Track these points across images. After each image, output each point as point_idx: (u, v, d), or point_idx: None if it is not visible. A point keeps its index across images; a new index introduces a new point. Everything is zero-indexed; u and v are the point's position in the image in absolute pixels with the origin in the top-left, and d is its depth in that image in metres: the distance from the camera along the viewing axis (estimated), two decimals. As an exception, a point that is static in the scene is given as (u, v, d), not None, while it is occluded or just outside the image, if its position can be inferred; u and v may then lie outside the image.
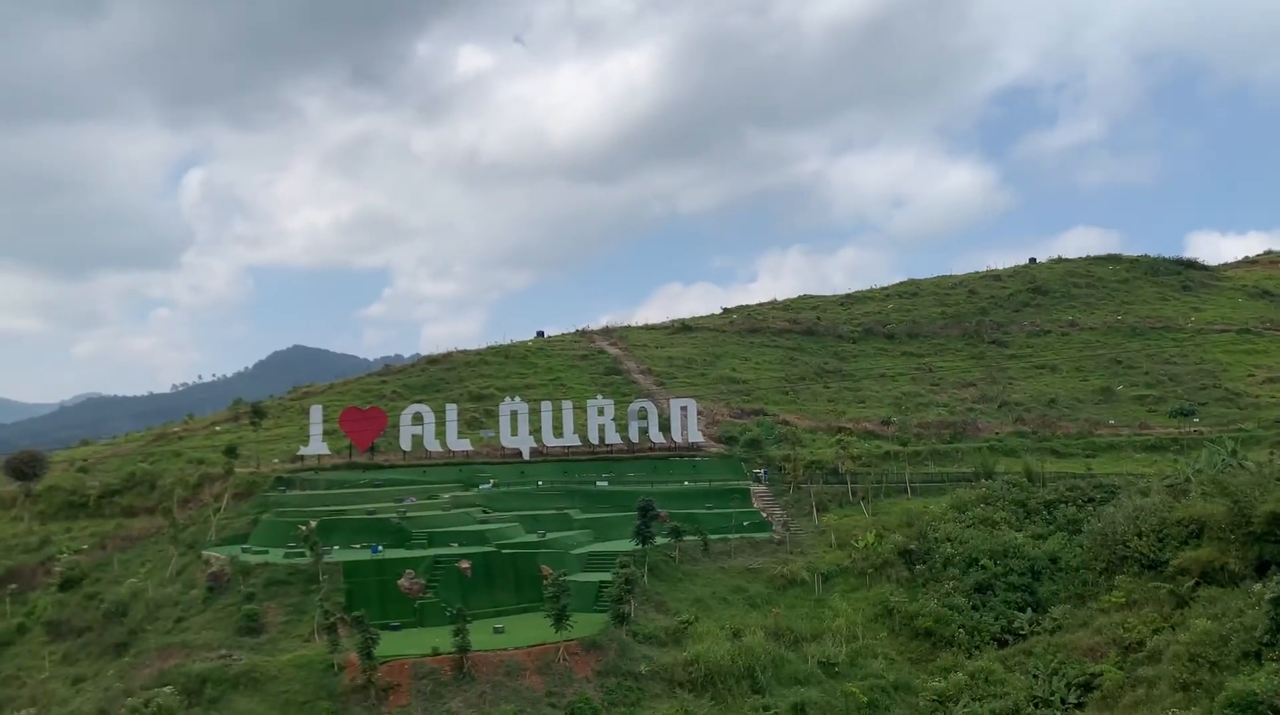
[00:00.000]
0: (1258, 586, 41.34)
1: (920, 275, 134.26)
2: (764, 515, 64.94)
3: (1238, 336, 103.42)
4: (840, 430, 79.62)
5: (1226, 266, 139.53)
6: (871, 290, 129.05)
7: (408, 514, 59.64)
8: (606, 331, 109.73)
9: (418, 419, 73.19)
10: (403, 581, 49.95)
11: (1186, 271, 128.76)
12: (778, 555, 58.80)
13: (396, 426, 73.13)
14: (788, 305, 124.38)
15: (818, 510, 65.45)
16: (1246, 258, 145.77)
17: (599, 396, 79.58)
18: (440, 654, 42.58)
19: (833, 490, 68.26)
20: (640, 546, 55.15)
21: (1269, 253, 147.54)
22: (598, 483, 70.34)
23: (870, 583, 55.53)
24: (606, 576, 51.12)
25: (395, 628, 47.30)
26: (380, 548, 54.53)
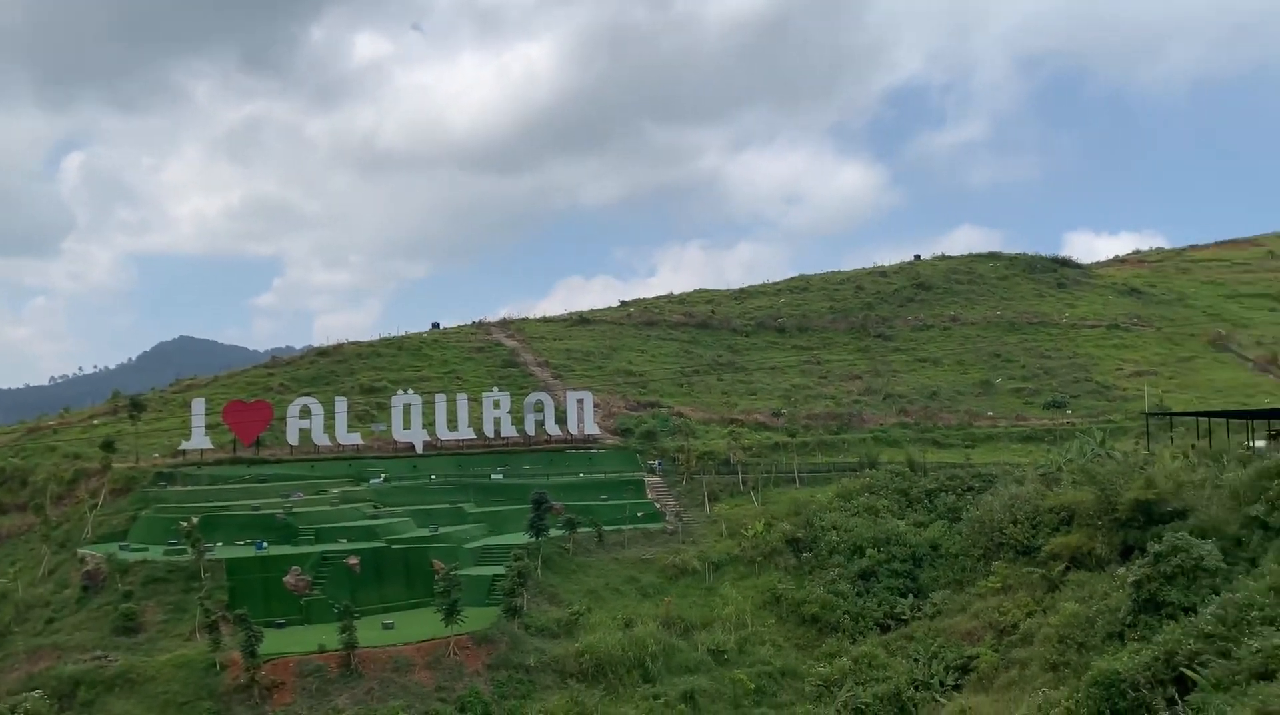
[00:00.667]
0: (1121, 570, 43.41)
1: (811, 271, 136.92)
2: (657, 506, 65.59)
3: (1107, 332, 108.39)
4: (732, 421, 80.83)
5: (1099, 265, 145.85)
6: (764, 285, 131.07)
7: (294, 509, 58.45)
8: (504, 324, 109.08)
9: (305, 412, 71.65)
10: (288, 578, 48.96)
11: (1062, 269, 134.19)
12: (670, 545, 59.47)
13: (283, 420, 71.47)
14: (684, 299, 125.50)
15: (710, 500, 66.38)
16: (1117, 257, 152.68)
17: (495, 389, 79.10)
18: (327, 651, 41.92)
19: (724, 480, 69.33)
20: (534, 539, 55.14)
21: (1137, 252, 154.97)
22: (492, 476, 70.03)
23: (759, 571, 56.66)
24: (500, 570, 51.04)
25: (280, 625, 46.38)
26: (265, 544, 53.31)
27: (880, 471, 65.95)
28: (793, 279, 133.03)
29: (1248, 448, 55.52)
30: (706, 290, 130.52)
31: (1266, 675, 30.00)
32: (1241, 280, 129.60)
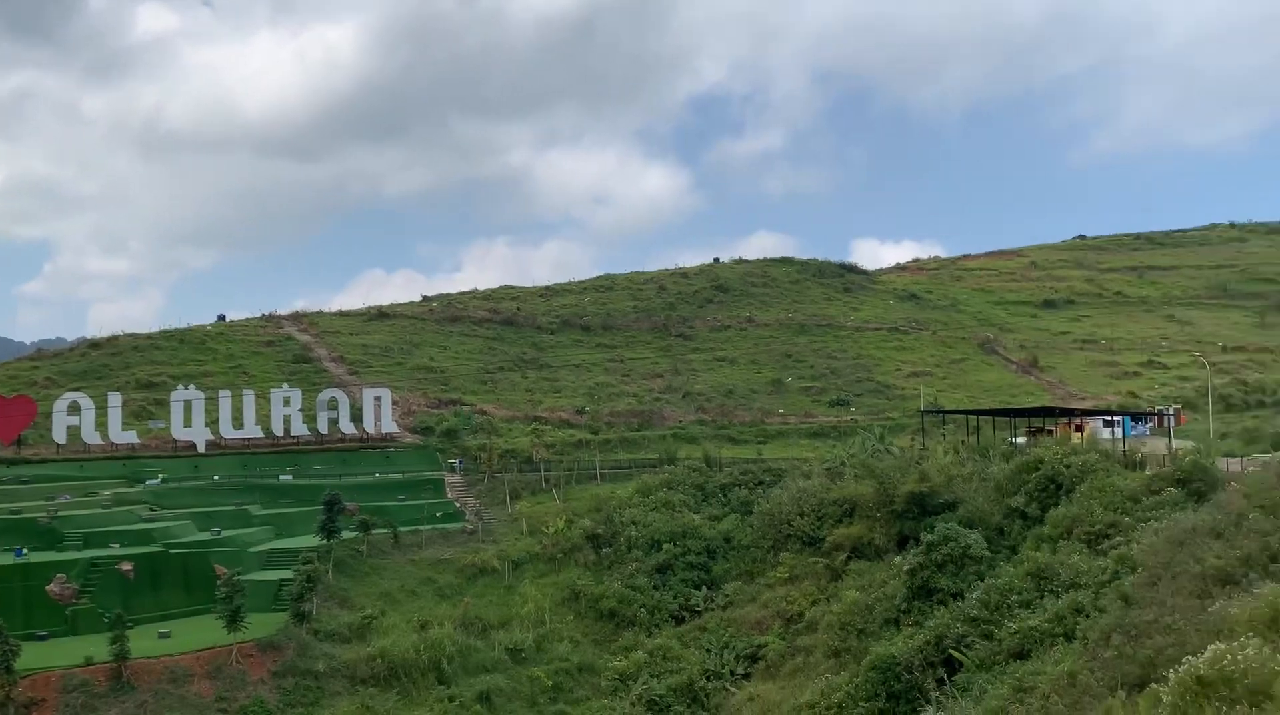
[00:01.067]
0: (898, 559, 46.10)
1: (617, 271, 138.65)
2: (458, 505, 64.68)
3: (888, 334, 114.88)
4: (536, 419, 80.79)
5: (882, 271, 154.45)
6: (570, 283, 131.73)
7: (59, 513, 54.14)
8: (296, 317, 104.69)
9: (75, 408, 66.54)
10: (52, 587, 45.34)
11: (848, 275, 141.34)
12: (470, 545, 58.79)
13: (49, 416, 66.08)
14: (488, 295, 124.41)
15: (511, 499, 66.05)
16: (898, 264, 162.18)
17: (285, 385, 75.84)
18: (94, 663, 39.03)
19: (527, 479, 69.18)
20: (325, 541, 53.22)
21: (916, 260, 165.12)
22: (281, 476, 67.09)
23: (559, 568, 56.85)
24: (288, 574, 48.96)
25: (43, 637, 42.87)
26: (25, 551, 49.13)
27: (678, 467, 67.46)
28: (598, 278, 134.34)
29: (1010, 444, 60.11)
30: (512, 287, 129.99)
31: (1023, 655, 32.51)
32: (1008, 288, 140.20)
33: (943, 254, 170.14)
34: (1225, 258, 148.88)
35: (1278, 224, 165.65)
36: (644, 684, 45.43)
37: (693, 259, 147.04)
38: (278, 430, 71.57)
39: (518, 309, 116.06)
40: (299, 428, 72.11)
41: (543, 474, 69.54)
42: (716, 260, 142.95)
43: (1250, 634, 17.35)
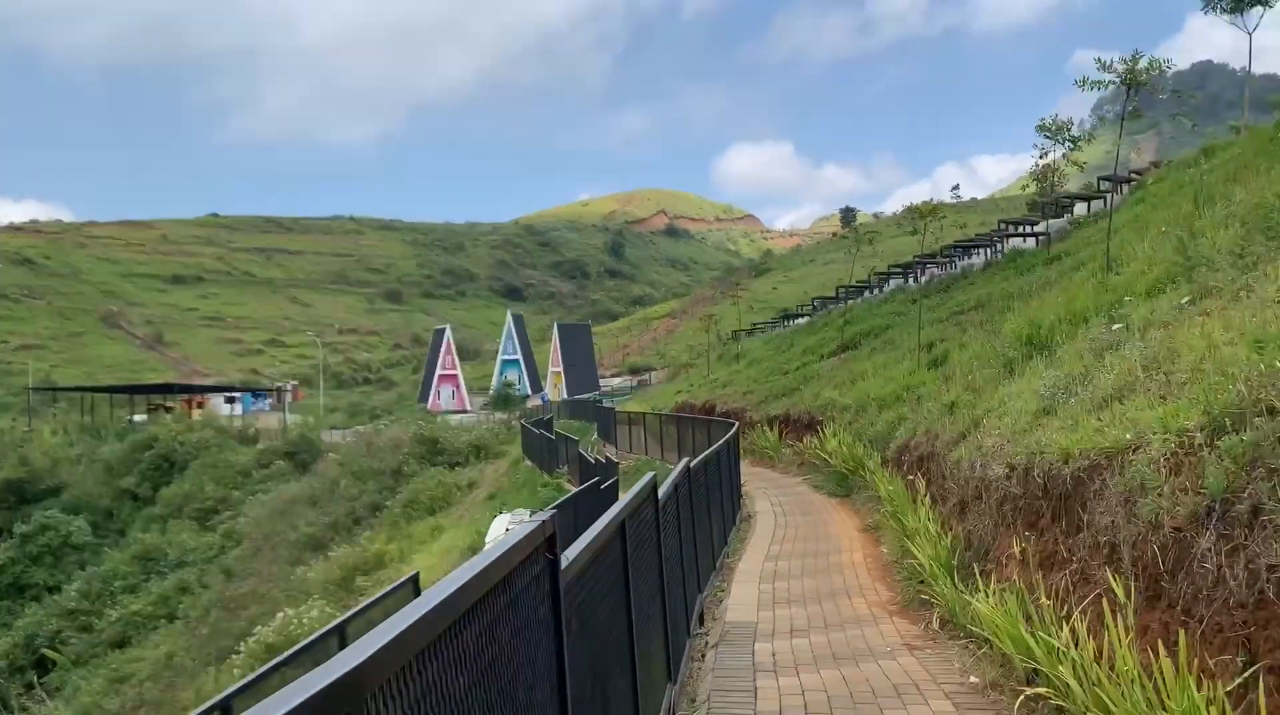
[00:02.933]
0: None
1: None
2: None
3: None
4: None
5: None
6: None
7: None
8: None
9: None
10: None
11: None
12: None
13: None
14: None
15: None
16: (12, 224, 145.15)
17: None
18: None
19: None
20: None
21: (35, 222, 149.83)
22: None
23: None
24: None
25: None
26: None
27: None
28: None
29: (129, 423, 57.84)
30: None
31: (124, 643, 31.67)
32: (136, 260, 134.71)
33: (68, 218, 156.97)
34: (345, 247, 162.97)
35: (389, 220, 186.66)
36: None
37: None
38: None
39: None
40: None
41: None
42: None
43: (319, 595, 19.34)
